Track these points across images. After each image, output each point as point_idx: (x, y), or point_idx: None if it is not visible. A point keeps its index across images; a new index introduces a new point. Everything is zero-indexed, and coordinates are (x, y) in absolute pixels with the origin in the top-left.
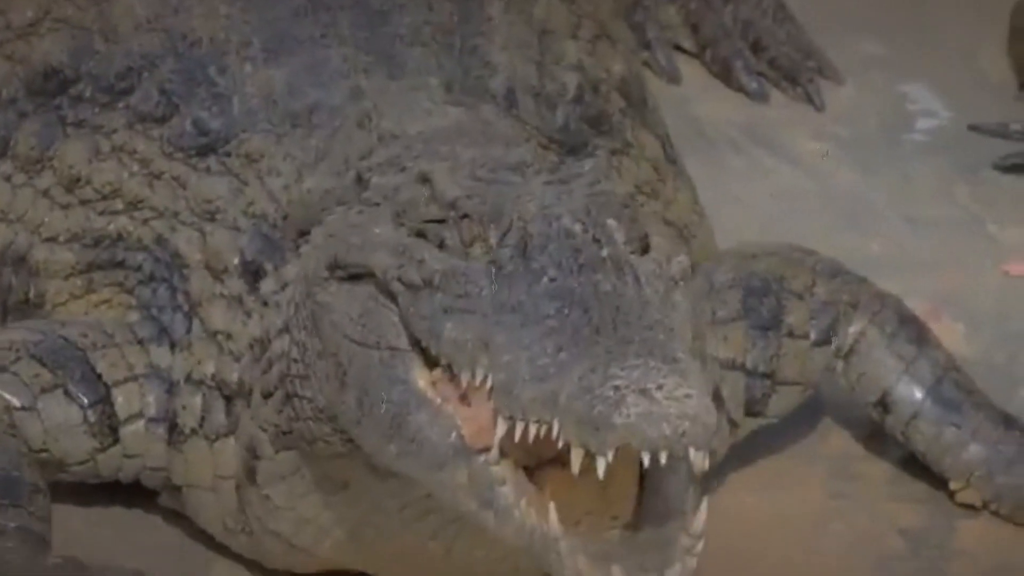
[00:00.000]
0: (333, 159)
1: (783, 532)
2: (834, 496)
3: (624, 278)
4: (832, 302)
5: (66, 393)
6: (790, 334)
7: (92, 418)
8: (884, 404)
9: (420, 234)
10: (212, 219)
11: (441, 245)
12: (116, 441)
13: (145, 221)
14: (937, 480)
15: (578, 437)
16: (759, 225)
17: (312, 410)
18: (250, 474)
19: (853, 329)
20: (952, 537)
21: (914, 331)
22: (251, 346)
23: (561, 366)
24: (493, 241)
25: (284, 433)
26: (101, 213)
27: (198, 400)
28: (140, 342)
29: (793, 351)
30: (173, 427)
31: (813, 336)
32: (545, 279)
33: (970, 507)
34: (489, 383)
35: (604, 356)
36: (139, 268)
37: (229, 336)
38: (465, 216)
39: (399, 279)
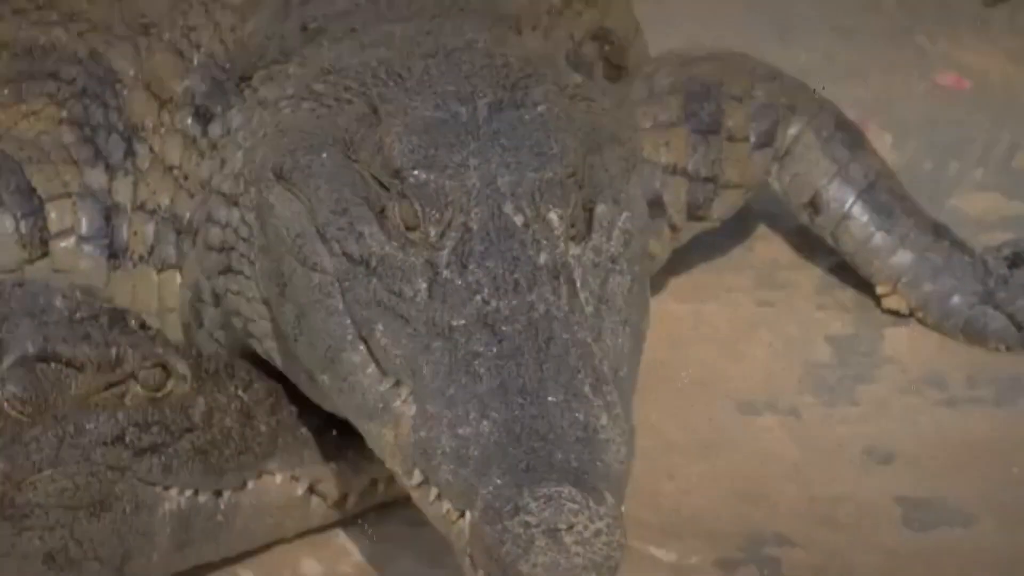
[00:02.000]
0: (275, 2)
1: (710, 340)
2: (761, 304)
3: (559, 290)
4: (771, 105)
5: (0, 203)
6: (731, 138)
7: (24, 229)
8: (815, 205)
9: (363, 196)
10: (146, 34)
11: (382, 212)
12: (45, 255)
13: (80, 34)
14: (865, 288)
15: (485, 567)
16: (686, 37)
17: (250, 291)
18: (196, 317)
19: (791, 132)
20: (880, 345)
21: (850, 136)
22: (202, 187)
23: (483, 453)
24: (433, 236)
25: (221, 296)
26: (35, 23)
27: (150, 229)
28: (75, 162)
29: (734, 154)
30: (122, 251)
31: (753, 139)
32: (479, 299)
33: (896, 314)
34: (411, 412)
35: (524, 460)
36: (72, 81)
37: (184, 174)
38: (406, 197)
39: (337, 241)
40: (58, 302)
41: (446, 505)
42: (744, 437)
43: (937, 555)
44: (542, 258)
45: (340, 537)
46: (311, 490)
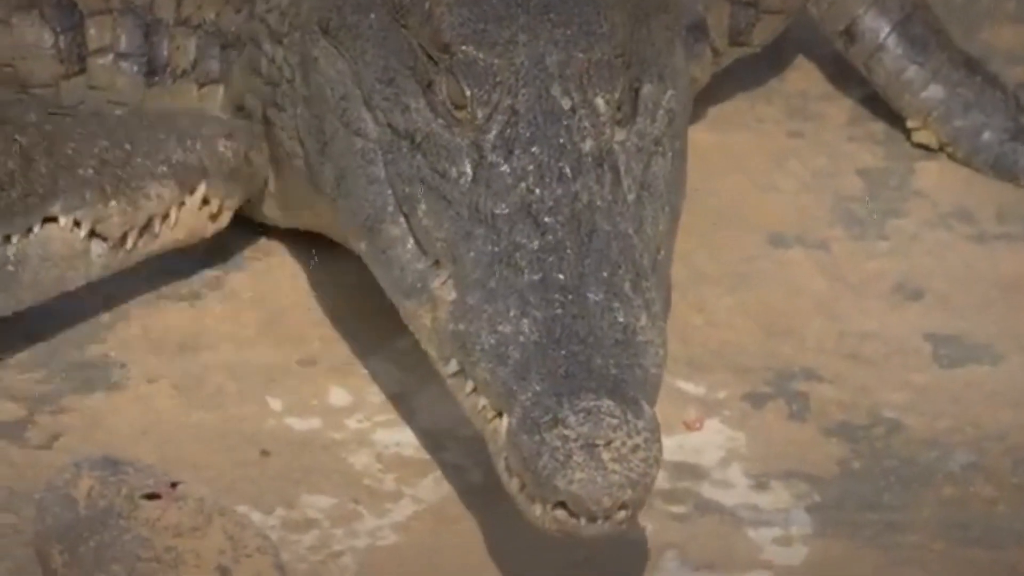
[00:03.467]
0: None
1: (740, 171)
2: (792, 135)
3: (603, 179)
4: None
5: (41, 15)
6: None
7: (63, 44)
8: (850, 34)
9: (410, 67)
10: None
11: (429, 85)
12: (83, 71)
13: None
14: (896, 121)
15: (520, 477)
16: None
17: (290, 132)
18: None
19: None
20: (910, 178)
21: None
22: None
23: (522, 355)
24: (480, 118)
25: (268, 122)
26: None
27: (192, 43)
28: None
29: None
30: (161, 67)
31: None
32: (523, 187)
33: (926, 148)
34: (450, 298)
35: (563, 365)
36: None
37: None
38: (454, 75)
39: (382, 110)
40: None
41: (483, 401)
42: (773, 270)
43: (965, 391)
44: (587, 145)
45: (369, 366)
46: (92, 233)
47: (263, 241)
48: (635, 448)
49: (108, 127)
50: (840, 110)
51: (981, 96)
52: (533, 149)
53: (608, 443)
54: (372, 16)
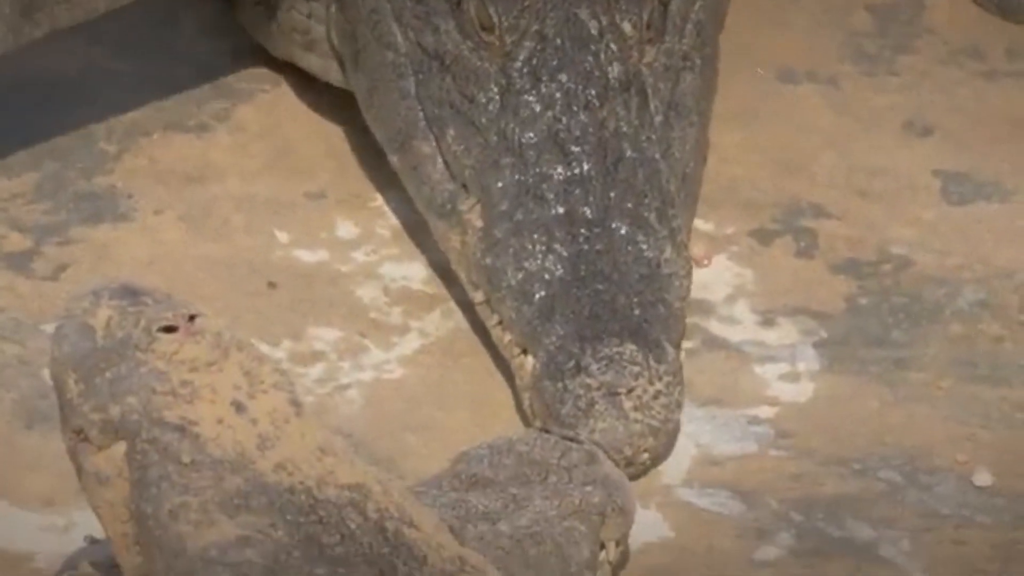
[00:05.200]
0: None
1: (750, 7)
2: None
3: (630, 103)
4: None
5: None
6: None
7: None
8: None
9: None
10: None
11: (458, 4)
12: None
13: None
14: None
15: (543, 418)
16: None
17: (319, 18)
18: None
19: None
20: (921, 15)
21: None
22: None
23: (547, 292)
24: (508, 44)
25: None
26: None
27: None
28: None
29: None
30: None
31: None
32: (550, 115)
33: None
34: (478, 224)
35: (587, 305)
36: None
37: None
38: (482, 1)
39: (412, 28)
40: None
41: (508, 336)
42: (783, 106)
43: (974, 228)
44: (615, 70)
45: (377, 200)
46: None
47: (271, 73)
48: (656, 394)
49: None
50: None
51: None
52: (561, 76)
53: (630, 390)
54: None
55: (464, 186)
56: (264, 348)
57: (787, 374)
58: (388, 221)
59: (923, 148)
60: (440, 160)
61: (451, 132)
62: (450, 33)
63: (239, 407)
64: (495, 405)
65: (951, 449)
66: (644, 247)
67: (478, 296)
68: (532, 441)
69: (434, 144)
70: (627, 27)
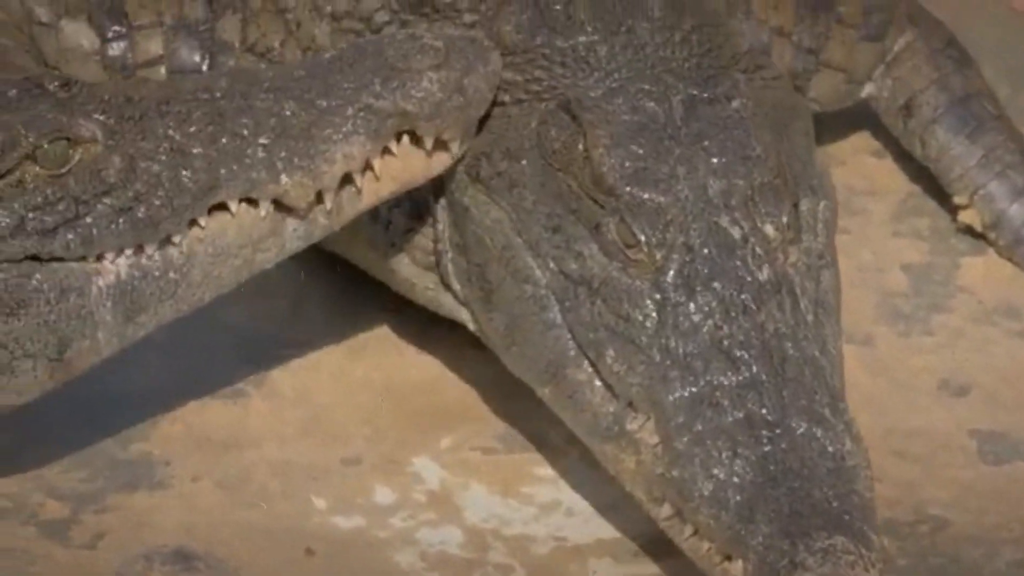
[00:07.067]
0: None
1: None
2: (838, 231)
3: (783, 305)
4: (889, 7)
5: (89, 21)
6: (840, 21)
7: (109, 51)
8: (909, 107)
9: (574, 210)
10: None
11: (597, 227)
12: (127, 79)
13: None
14: (941, 217)
15: None
16: None
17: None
18: None
19: (903, 39)
20: (955, 274)
21: (959, 54)
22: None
23: (743, 497)
24: (658, 259)
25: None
26: None
27: None
28: None
29: (841, 36)
30: None
31: (864, 30)
32: (711, 324)
33: (971, 232)
34: (652, 441)
35: (786, 503)
36: None
37: (297, 21)
38: (622, 216)
39: (552, 258)
40: None
41: (706, 544)
42: None
43: (1011, 488)
44: (765, 274)
45: (413, 465)
46: (277, 206)
47: (305, 338)
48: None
49: (300, 85)
50: (885, 206)
51: None
52: (714, 284)
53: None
54: (524, 162)
55: (630, 404)
56: None
57: None
58: (424, 486)
59: (959, 408)
60: (598, 384)
61: (610, 353)
62: (594, 256)
63: None
64: None
65: None
66: (826, 442)
67: (664, 511)
68: None
69: (589, 370)
70: (770, 230)
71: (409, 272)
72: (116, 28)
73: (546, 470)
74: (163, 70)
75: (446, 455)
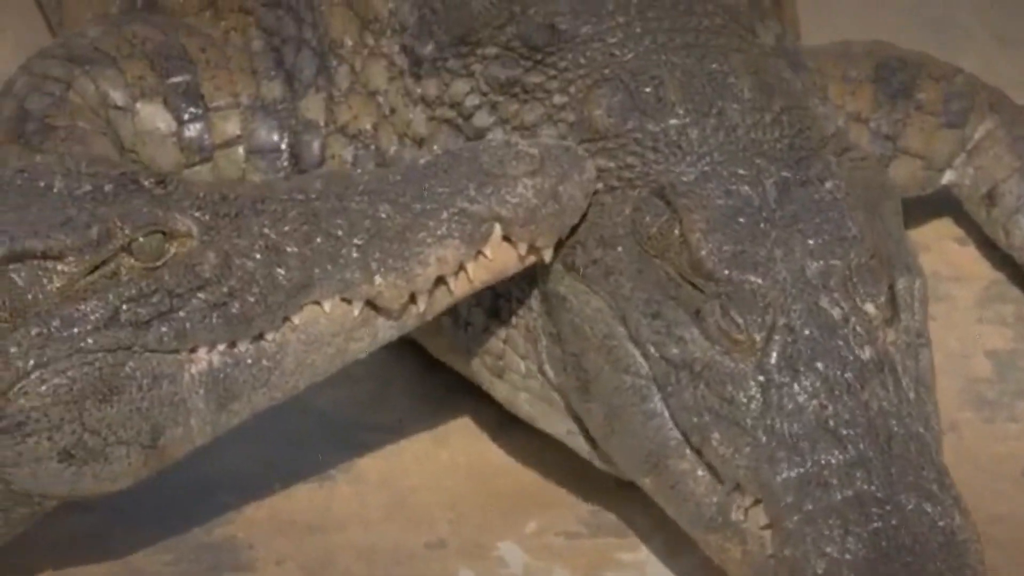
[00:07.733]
0: None
1: None
2: None
3: (887, 383)
4: (970, 94)
5: (164, 103)
6: (919, 107)
7: (184, 134)
8: (992, 196)
9: (673, 296)
10: None
11: (697, 312)
12: (206, 160)
13: None
14: None
15: None
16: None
17: (516, 344)
18: None
19: (984, 127)
20: None
21: None
22: (407, 130)
23: (857, 574)
24: (759, 341)
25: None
26: None
27: (349, 153)
28: (254, 72)
29: (920, 123)
30: (314, 167)
31: (944, 117)
32: (816, 404)
33: None
34: (759, 525)
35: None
36: None
37: (391, 107)
38: (722, 301)
39: (653, 344)
40: (58, 183)
41: None
42: None
43: None
44: (866, 352)
45: (498, 550)
46: (371, 306)
47: (390, 422)
48: None
49: (394, 188)
50: (970, 292)
51: None
52: (817, 365)
53: None
54: (619, 249)
55: (737, 487)
56: None
57: None
58: (508, 570)
59: None
60: (700, 473)
61: (715, 436)
62: (696, 341)
63: None
64: None
65: None
66: (936, 516)
67: None
68: None
69: (692, 459)
70: (870, 308)
71: (482, 378)
72: (192, 110)
73: (630, 555)
74: (241, 150)
75: (530, 539)
